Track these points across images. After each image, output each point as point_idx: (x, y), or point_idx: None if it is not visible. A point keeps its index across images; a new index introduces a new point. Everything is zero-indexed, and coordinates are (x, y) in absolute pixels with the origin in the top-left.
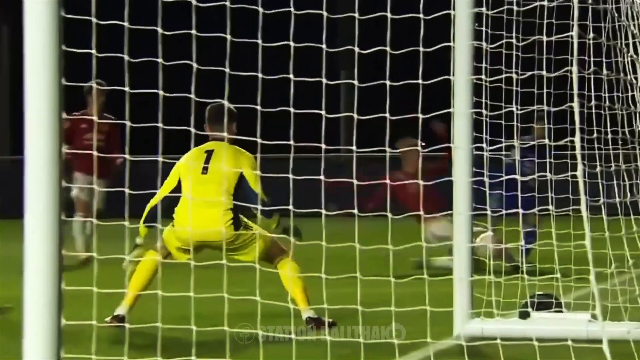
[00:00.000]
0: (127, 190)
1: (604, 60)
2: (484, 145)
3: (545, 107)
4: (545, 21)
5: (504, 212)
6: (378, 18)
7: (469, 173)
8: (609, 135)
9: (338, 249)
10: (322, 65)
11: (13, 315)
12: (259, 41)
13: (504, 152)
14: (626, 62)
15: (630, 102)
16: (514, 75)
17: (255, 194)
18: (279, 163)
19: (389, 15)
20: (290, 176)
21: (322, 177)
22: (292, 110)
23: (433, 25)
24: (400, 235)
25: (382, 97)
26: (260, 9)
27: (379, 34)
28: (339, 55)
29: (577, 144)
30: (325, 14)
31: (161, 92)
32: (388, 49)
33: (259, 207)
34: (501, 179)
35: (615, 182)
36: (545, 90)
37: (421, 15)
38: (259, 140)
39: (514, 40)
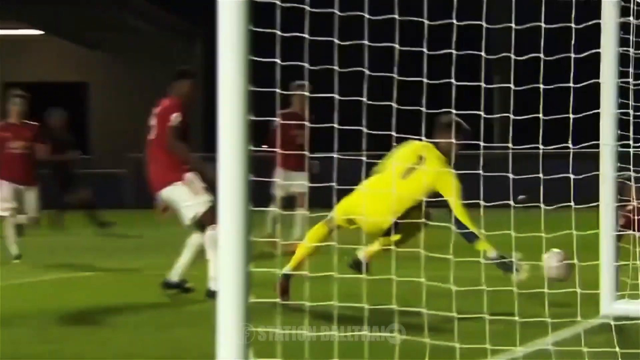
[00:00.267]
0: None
1: None
2: (630, 142)
3: None
4: None
5: None
6: (531, 28)
7: (614, 168)
8: None
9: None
10: (480, 71)
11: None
12: (424, 49)
13: None
14: None
15: None
16: None
17: (465, 226)
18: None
19: (542, 25)
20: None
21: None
22: (453, 110)
23: (582, 34)
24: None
25: (532, 100)
26: (426, 21)
27: (532, 42)
28: (493, 62)
29: None
30: (484, 24)
31: (336, 96)
32: (542, 55)
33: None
34: None
35: None
36: None
37: (572, 25)
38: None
39: None
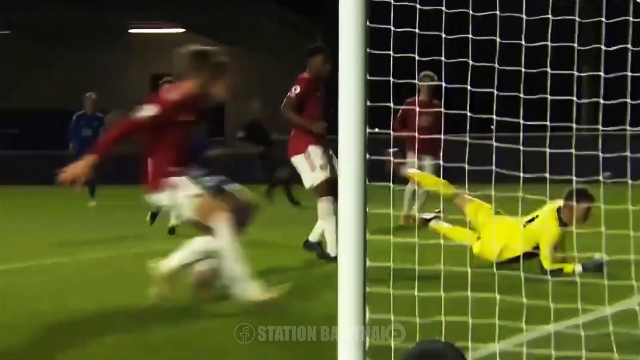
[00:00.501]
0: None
1: None
2: None
3: None
4: None
5: None
6: (620, 21)
7: None
8: None
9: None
10: (574, 61)
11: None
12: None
13: None
14: None
15: None
16: None
17: (551, 270)
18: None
19: (631, 19)
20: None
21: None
22: (548, 97)
23: None
24: None
25: (619, 86)
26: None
27: (620, 35)
28: (582, 52)
29: None
30: (577, 19)
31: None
32: (630, 46)
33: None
34: None
35: None
36: None
37: None
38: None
39: None
